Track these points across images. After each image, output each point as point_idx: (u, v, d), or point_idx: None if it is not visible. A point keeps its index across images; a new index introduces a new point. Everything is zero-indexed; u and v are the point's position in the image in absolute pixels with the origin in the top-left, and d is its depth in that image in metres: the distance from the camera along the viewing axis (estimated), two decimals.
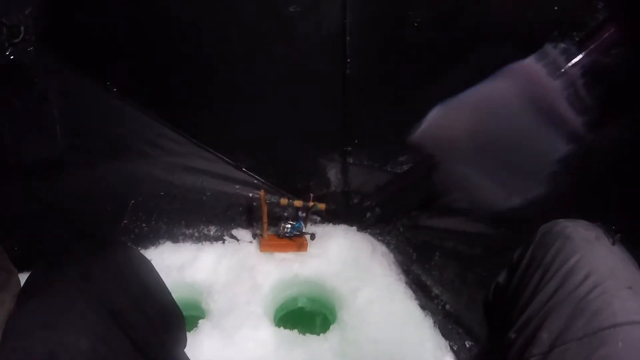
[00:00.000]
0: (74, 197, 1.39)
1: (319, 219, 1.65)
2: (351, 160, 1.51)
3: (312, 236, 1.49)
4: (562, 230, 0.62)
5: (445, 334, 1.33)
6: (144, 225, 1.51)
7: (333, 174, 1.55)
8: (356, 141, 1.47)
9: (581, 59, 0.83)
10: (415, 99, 1.32)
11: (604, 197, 1.05)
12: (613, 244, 0.60)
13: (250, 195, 1.59)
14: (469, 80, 0.89)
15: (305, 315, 1.50)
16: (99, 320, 0.53)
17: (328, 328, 1.33)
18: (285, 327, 1.30)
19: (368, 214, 1.61)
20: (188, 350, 1.17)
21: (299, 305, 1.51)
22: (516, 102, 0.84)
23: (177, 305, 0.75)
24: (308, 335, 1.29)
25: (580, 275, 0.55)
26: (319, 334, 1.30)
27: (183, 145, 1.50)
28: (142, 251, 1.45)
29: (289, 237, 1.51)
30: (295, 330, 1.30)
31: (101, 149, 1.42)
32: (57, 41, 1.25)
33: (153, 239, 1.52)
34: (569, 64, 0.82)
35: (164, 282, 0.73)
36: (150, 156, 1.47)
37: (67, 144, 1.33)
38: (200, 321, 1.29)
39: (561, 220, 0.65)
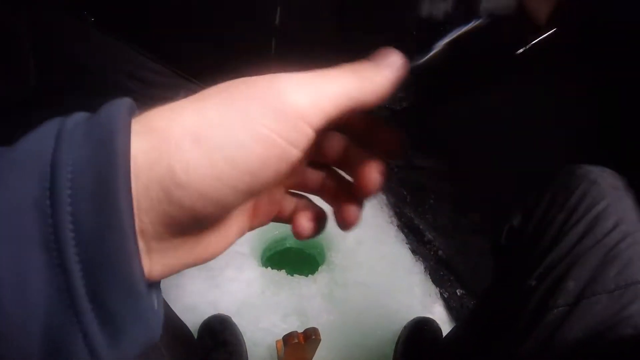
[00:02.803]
0: None
1: None
2: None
3: None
4: (587, 174, 0.57)
5: (436, 280, 1.30)
6: None
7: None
8: None
9: None
10: (419, 29, 1.23)
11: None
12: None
13: None
14: None
15: (293, 255, 1.46)
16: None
17: (317, 269, 1.30)
18: (272, 268, 1.26)
19: None
20: (172, 292, 1.14)
21: (287, 245, 1.46)
22: None
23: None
24: (296, 276, 1.26)
25: (609, 222, 0.50)
26: (307, 275, 1.27)
27: (166, 77, 1.39)
28: None
29: None
30: (283, 271, 1.26)
31: (77, 85, 1.31)
32: None
33: None
34: None
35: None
36: (130, 90, 1.36)
37: (40, 81, 1.23)
38: None
39: (583, 164, 0.60)
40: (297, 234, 0.31)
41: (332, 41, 1.24)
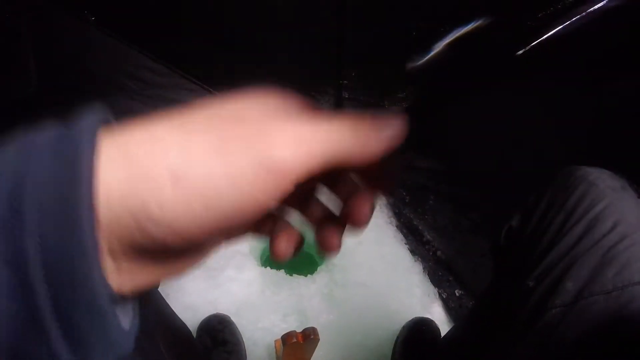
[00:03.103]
0: None
1: None
2: (346, 95, 1.42)
3: None
4: (586, 176, 0.57)
5: (435, 280, 1.30)
6: None
7: (325, 108, 1.46)
8: (353, 74, 1.37)
9: None
10: (419, 29, 1.23)
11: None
12: (639, 196, 0.55)
13: None
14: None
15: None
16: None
17: (316, 269, 1.30)
18: (272, 268, 1.26)
19: None
20: (172, 292, 1.14)
21: None
22: None
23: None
24: (295, 276, 1.26)
25: (607, 223, 0.50)
26: (306, 275, 1.27)
27: (166, 77, 1.38)
28: None
29: None
30: (283, 271, 1.26)
31: (78, 85, 1.31)
32: None
33: None
34: None
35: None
36: (131, 89, 1.36)
37: (42, 81, 1.23)
38: None
39: (582, 166, 0.60)
40: (275, 256, 0.31)
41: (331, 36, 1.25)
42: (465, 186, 1.34)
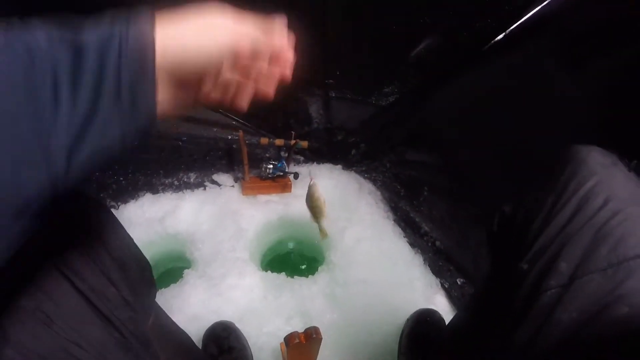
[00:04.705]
0: None
1: (302, 158, 1.58)
2: (333, 94, 1.42)
3: (296, 175, 1.42)
4: (575, 154, 0.56)
5: (436, 271, 1.31)
6: (121, 178, 1.42)
7: (315, 109, 1.47)
8: (338, 73, 1.37)
9: None
10: (402, 25, 1.23)
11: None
12: (630, 170, 0.54)
13: (229, 137, 1.50)
14: None
15: (293, 258, 1.46)
16: (43, 275, 0.48)
17: (316, 269, 1.30)
18: (272, 271, 1.27)
19: (353, 151, 1.55)
20: (175, 303, 1.14)
21: (286, 248, 1.47)
22: None
23: (141, 255, 0.69)
24: (296, 278, 1.26)
25: (598, 200, 0.50)
26: (307, 277, 1.27)
27: None
28: (122, 205, 1.39)
29: (272, 179, 1.44)
30: (283, 274, 1.26)
31: None
32: None
33: (132, 191, 1.44)
34: None
35: (124, 231, 0.66)
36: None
37: None
38: (186, 271, 1.24)
39: (573, 145, 0.59)
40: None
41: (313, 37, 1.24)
42: (457, 176, 1.34)
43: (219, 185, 1.50)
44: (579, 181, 0.53)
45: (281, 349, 1.04)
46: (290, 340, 0.81)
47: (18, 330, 0.43)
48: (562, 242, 0.51)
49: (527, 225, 0.58)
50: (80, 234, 0.53)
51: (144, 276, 0.68)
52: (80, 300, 0.50)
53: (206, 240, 1.32)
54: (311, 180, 1.01)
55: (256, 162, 1.46)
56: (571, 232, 0.51)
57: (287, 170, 1.43)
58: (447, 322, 1.11)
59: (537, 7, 1.00)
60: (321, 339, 0.85)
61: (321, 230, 1.05)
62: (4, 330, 0.43)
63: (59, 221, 0.52)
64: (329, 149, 1.55)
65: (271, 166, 1.41)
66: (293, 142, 1.37)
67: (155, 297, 0.74)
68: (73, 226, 0.53)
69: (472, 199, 1.30)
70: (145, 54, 0.36)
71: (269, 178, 1.44)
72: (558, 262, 0.51)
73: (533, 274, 0.53)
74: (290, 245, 1.47)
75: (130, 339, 0.55)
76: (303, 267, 1.41)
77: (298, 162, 1.57)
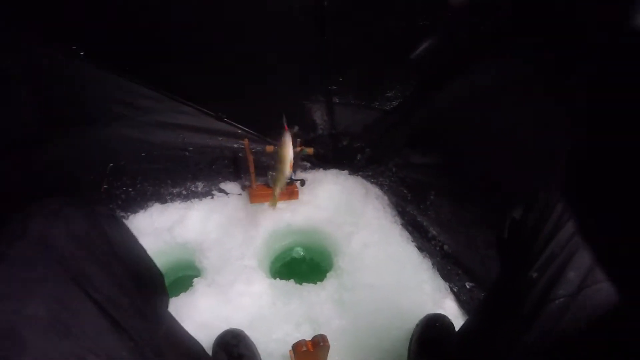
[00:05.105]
0: (53, 171, 1.32)
1: (308, 165, 1.59)
2: (337, 100, 1.43)
3: (302, 182, 1.43)
4: None
5: (445, 275, 1.30)
6: (129, 189, 1.44)
7: (319, 116, 1.47)
8: (340, 79, 1.38)
9: None
10: (402, 29, 1.24)
11: None
12: None
13: (235, 146, 1.51)
14: None
15: (301, 264, 1.47)
16: (60, 286, 0.49)
17: (325, 276, 1.30)
18: (281, 278, 1.27)
19: (358, 156, 1.55)
20: (185, 311, 1.15)
21: (294, 255, 1.48)
22: None
23: (154, 266, 0.70)
24: (305, 284, 1.27)
25: None
26: (315, 283, 1.27)
27: (159, 102, 1.40)
28: (132, 216, 1.41)
29: None
30: (292, 281, 1.27)
31: (74, 118, 1.32)
32: (16, 13, 1.14)
33: (141, 202, 1.45)
34: None
35: (137, 242, 0.67)
36: (126, 117, 1.38)
37: (39, 119, 1.25)
38: (195, 279, 1.25)
39: None
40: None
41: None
42: (463, 178, 1.34)
43: (226, 193, 1.51)
44: None
45: (290, 356, 1.04)
46: (297, 348, 0.82)
47: (36, 340, 0.45)
48: (571, 251, 0.52)
49: (537, 232, 0.58)
50: (94, 246, 0.55)
51: (157, 286, 0.70)
52: (96, 310, 0.51)
53: (215, 248, 1.33)
54: (286, 130, 1.00)
55: (262, 169, 1.47)
56: (580, 241, 0.51)
57: (293, 177, 1.43)
58: (456, 326, 1.11)
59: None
60: (329, 346, 0.85)
61: (273, 197, 1.05)
62: (23, 340, 0.44)
63: (73, 233, 0.53)
64: (334, 155, 1.56)
65: None
66: (299, 149, 1.38)
67: (167, 306, 0.76)
68: (88, 238, 0.55)
69: (479, 201, 1.30)
70: None
71: None
72: (567, 271, 0.51)
73: (542, 282, 0.54)
74: (299, 251, 1.47)
75: (144, 349, 0.56)
76: (311, 273, 1.42)
77: (304, 169, 1.58)
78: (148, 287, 0.64)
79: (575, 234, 0.52)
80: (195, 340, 0.91)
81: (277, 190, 1.16)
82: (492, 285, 0.76)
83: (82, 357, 0.47)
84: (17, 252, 0.49)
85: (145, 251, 0.69)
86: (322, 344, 0.82)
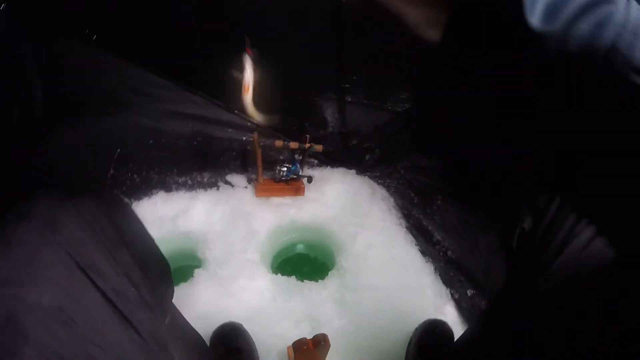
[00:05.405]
0: (61, 157, 1.31)
1: (316, 162, 1.58)
2: (349, 99, 1.42)
3: (309, 179, 1.42)
4: None
5: (447, 281, 1.30)
6: (135, 176, 1.44)
7: (330, 113, 1.47)
8: (354, 77, 1.37)
9: None
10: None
11: None
12: None
13: (244, 138, 1.51)
14: None
15: (304, 261, 1.46)
16: (65, 273, 0.47)
17: (327, 274, 1.30)
18: (283, 274, 1.27)
19: (367, 156, 1.55)
20: (184, 302, 1.15)
21: (297, 251, 1.47)
22: None
23: (161, 256, 0.69)
24: (306, 282, 1.26)
25: None
26: (317, 281, 1.27)
27: (170, 90, 1.40)
28: (135, 203, 1.40)
29: (286, 181, 1.45)
30: (294, 277, 1.26)
31: (84, 104, 1.32)
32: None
33: (146, 189, 1.45)
34: None
35: (145, 231, 0.66)
36: (135, 105, 1.38)
37: (50, 105, 1.24)
38: (196, 270, 1.25)
39: None
40: None
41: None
42: (471, 183, 1.33)
43: (232, 186, 1.51)
44: None
45: (288, 353, 1.04)
46: (298, 346, 0.81)
47: (38, 329, 0.43)
48: (580, 263, 0.53)
49: (547, 244, 0.58)
50: (102, 233, 0.54)
51: (164, 276, 0.69)
52: (101, 300, 0.50)
53: (218, 240, 1.33)
54: (248, 52, 1.00)
55: (270, 164, 1.46)
56: (590, 254, 0.52)
57: (300, 173, 1.43)
58: (456, 334, 1.10)
59: None
60: (329, 346, 0.85)
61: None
62: (24, 329, 0.43)
63: (81, 218, 0.52)
64: (343, 153, 1.55)
65: (285, 169, 1.41)
66: (308, 145, 1.37)
67: (172, 297, 0.75)
68: (96, 224, 0.53)
69: (486, 207, 1.29)
70: None
71: (282, 180, 1.44)
72: (575, 282, 0.52)
73: (549, 293, 0.55)
74: (301, 248, 1.47)
75: (148, 341, 0.56)
76: (313, 271, 1.42)
77: (312, 166, 1.58)
78: (154, 277, 0.63)
79: (585, 247, 0.53)
80: (197, 331, 0.91)
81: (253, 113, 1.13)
82: (496, 295, 0.76)
83: (85, 350, 0.46)
84: (22, 234, 0.47)
85: (153, 240, 0.68)
86: (323, 343, 0.82)
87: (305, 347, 0.81)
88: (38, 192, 0.53)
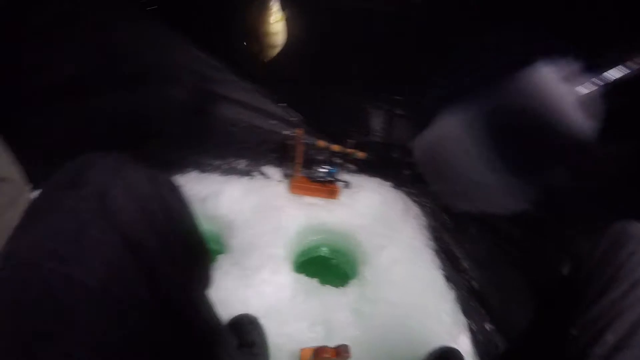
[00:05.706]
0: (102, 119, 1.32)
1: (354, 167, 1.57)
2: (398, 112, 1.40)
3: (347, 184, 1.41)
4: (637, 233, 0.59)
5: (466, 311, 1.27)
6: (171, 151, 1.44)
7: (377, 122, 1.45)
8: (406, 91, 1.35)
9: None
10: (477, 50, 1.20)
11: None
12: None
13: (286, 132, 1.50)
14: None
15: (325, 264, 1.45)
16: (112, 252, 0.45)
17: (347, 282, 1.29)
18: (306, 275, 1.26)
19: (407, 171, 1.53)
20: None
21: (321, 254, 1.46)
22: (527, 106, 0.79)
23: (204, 240, 0.68)
24: (327, 286, 1.25)
25: None
26: (337, 287, 1.26)
27: (220, 72, 1.40)
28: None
29: (321, 182, 1.44)
30: (316, 280, 1.25)
31: (132, 72, 1.32)
32: None
33: (180, 166, 1.46)
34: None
35: (192, 213, 0.64)
36: (183, 81, 1.38)
37: (97, 67, 1.25)
38: (219, 256, 1.25)
39: (636, 222, 0.62)
40: None
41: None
42: (509, 219, 1.30)
43: (267, 177, 1.51)
44: (636, 261, 0.56)
45: (301, 355, 1.03)
46: (320, 352, 0.81)
47: (85, 316, 0.41)
48: (613, 315, 0.54)
49: (583, 292, 0.59)
50: (153, 213, 0.52)
51: (204, 264, 0.68)
52: (146, 286, 0.47)
53: (244, 229, 1.33)
54: None
55: (307, 162, 1.46)
56: (623, 307, 0.54)
57: (338, 177, 1.42)
58: None
59: None
60: (350, 358, 0.84)
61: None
62: (70, 314, 0.41)
63: (133, 195, 0.50)
64: (382, 164, 1.53)
65: (324, 170, 1.40)
66: (351, 150, 1.36)
67: (209, 286, 0.72)
68: (147, 203, 0.52)
69: (518, 244, 1.26)
70: None
71: (319, 181, 1.43)
72: (606, 333, 0.53)
73: (582, 341, 0.55)
74: (325, 251, 1.46)
75: (183, 333, 0.54)
76: (334, 276, 1.41)
77: (348, 171, 1.56)
78: (195, 263, 0.62)
79: (620, 299, 0.54)
80: (220, 320, 0.90)
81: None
82: (523, 335, 0.75)
83: (122, 335, 0.44)
84: (71, 204, 0.45)
85: (198, 224, 0.67)
86: (344, 354, 0.81)
87: (326, 355, 0.80)
88: (90, 159, 0.51)
